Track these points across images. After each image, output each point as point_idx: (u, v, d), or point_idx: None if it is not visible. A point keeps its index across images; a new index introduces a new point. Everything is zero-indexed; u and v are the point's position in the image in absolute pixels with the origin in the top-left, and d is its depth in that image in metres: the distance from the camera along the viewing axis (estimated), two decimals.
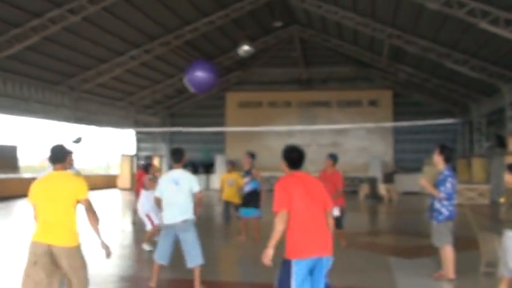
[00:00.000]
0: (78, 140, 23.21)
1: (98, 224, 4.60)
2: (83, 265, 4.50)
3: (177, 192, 6.16)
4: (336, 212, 8.61)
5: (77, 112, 22.68)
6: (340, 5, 19.16)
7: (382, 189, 21.19)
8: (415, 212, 16.44)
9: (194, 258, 6.05)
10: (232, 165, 11.27)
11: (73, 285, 4.41)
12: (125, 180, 27.12)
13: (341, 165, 25.28)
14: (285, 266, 3.94)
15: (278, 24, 21.79)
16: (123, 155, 28.28)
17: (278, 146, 24.95)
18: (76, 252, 4.46)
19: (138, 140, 30.75)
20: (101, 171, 35.39)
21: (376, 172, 24.02)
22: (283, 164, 4.27)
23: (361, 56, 25.24)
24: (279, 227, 3.87)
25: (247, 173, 10.05)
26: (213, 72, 7.91)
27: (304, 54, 27.28)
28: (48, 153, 4.70)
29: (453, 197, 6.82)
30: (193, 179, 6.28)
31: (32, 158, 31.43)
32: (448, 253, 6.90)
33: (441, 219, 6.81)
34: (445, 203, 6.77)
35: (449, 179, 6.75)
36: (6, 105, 19.57)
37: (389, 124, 27.41)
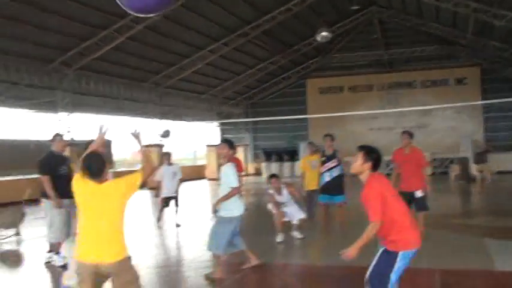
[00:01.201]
0: (166, 134, 24.14)
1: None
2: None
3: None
4: (419, 193, 8.13)
5: (163, 107, 23.59)
6: None
7: (474, 169, 20.35)
8: (510, 192, 15.69)
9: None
10: (315, 147, 10.46)
11: None
12: (211, 171, 27.90)
13: (429, 146, 24.73)
14: (389, 257, 4.02)
15: (355, 7, 21.42)
16: (208, 146, 29.05)
17: (361, 131, 24.83)
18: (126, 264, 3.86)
19: (222, 131, 31.47)
20: (189, 162, 36.52)
21: (467, 152, 23.07)
22: (366, 165, 4.13)
23: (444, 34, 24.26)
24: (370, 234, 3.94)
25: (330, 157, 9.49)
26: None
27: (384, 36, 26.66)
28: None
29: None
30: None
31: (124, 152, 32.88)
32: None
33: None
34: None
35: None
36: (99, 104, 20.80)
37: (479, 102, 26.24)
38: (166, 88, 23.20)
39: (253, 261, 6.61)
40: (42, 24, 14.87)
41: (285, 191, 8.94)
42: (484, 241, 8.11)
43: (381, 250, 4.08)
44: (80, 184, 3.85)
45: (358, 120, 28.48)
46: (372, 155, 4.14)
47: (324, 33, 16.38)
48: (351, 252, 3.91)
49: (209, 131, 29.77)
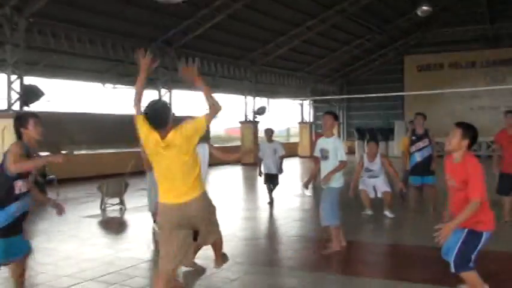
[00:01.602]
0: (261, 111, 24.59)
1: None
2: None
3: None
4: None
5: (258, 85, 23.97)
6: None
7: None
8: None
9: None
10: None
11: (201, 233, 4.15)
12: (304, 148, 28.06)
13: None
14: (474, 237, 4.06)
15: None
16: (301, 124, 29.17)
17: (462, 110, 23.65)
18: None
19: (316, 109, 31.41)
20: (282, 139, 36.93)
21: None
22: (463, 142, 4.07)
23: None
24: (470, 213, 3.93)
25: (421, 136, 9.16)
26: None
27: (489, 10, 25.12)
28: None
29: None
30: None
31: (219, 128, 33.80)
32: None
33: None
34: None
35: None
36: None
37: None
38: (262, 66, 23.52)
39: (343, 241, 6.65)
40: (145, 5, 15.59)
41: (378, 160, 8.91)
42: None
43: (465, 230, 4.07)
44: (146, 132, 3.89)
45: (458, 98, 27.19)
46: (470, 132, 4.12)
47: (424, 7, 15.73)
48: (446, 230, 3.92)
49: (302, 109, 29.81)
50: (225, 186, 14.98)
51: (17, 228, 4.26)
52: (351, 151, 29.91)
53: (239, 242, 7.26)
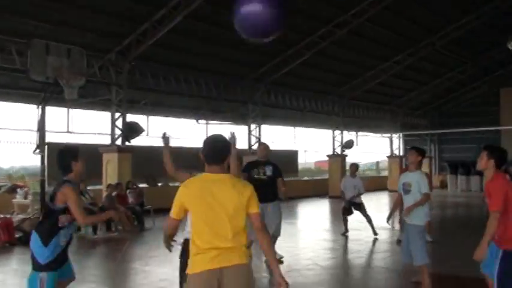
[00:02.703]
0: (349, 145, 24.71)
1: (271, 244, 3.48)
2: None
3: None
4: None
5: (346, 118, 24.18)
6: None
7: None
8: None
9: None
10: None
11: None
12: (393, 182, 27.57)
13: None
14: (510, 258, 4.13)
15: None
16: (390, 157, 28.82)
17: None
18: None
19: (406, 142, 30.93)
20: (372, 173, 36.54)
21: None
22: (490, 162, 4.43)
23: None
24: (492, 227, 4.10)
25: None
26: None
27: None
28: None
29: None
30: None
31: (309, 162, 34.11)
32: None
33: None
34: None
35: None
36: (285, 116, 22.21)
37: None
38: (350, 100, 23.74)
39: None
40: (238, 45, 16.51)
41: None
42: None
43: (501, 252, 4.18)
44: None
45: None
46: (495, 152, 4.49)
47: None
48: (480, 252, 4.11)
49: (392, 142, 29.50)
50: (310, 217, 15.21)
51: (64, 258, 4.34)
52: (442, 185, 29.11)
53: (322, 271, 7.53)
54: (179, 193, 3.35)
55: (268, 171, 7.88)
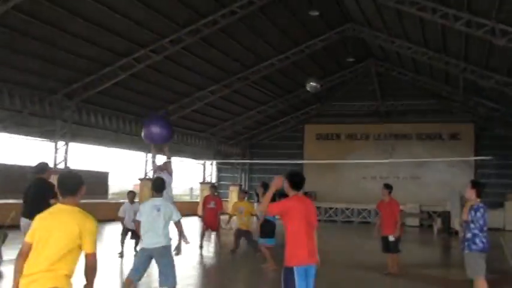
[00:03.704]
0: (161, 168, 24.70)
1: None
2: None
3: (158, 219, 6.62)
4: (391, 237, 9.80)
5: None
6: (412, 40, 19.33)
7: (456, 223, 20.57)
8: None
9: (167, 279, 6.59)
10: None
11: None
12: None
13: (421, 198, 25.15)
14: None
15: (351, 59, 22.28)
16: (202, 183, 29.50)
17: (355, 178, 25.23)
18: None
19: (219, 170, 32.04)
20: (186, 198, 37.03)
21: (453, 206, 23.30)
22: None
23: (439, 90, 25.08)
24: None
25: None
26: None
27: (381, 88, 27.41)
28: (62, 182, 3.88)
29: (484, 229, 6.98)
30: (173, 209, 6.82)
31: (123, 184, 33.42)
32: (480, 286, 6.98)
33: (474, 248, 6.95)
34: (479, 233, 6.92)
35: (481, 210, 6.95)
36: (99, 136, 21.50)
37: (472, 158, 26.76)
38: None
39: None
40: (50, 59, 15.77)
41: None
42: None
43: None
44: None
45: (353, 168, 28.91)
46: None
47: (312, 84, 16.88)
48: None
49: (205, 169, 30.34)
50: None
51: None
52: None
53: None
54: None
55: None
